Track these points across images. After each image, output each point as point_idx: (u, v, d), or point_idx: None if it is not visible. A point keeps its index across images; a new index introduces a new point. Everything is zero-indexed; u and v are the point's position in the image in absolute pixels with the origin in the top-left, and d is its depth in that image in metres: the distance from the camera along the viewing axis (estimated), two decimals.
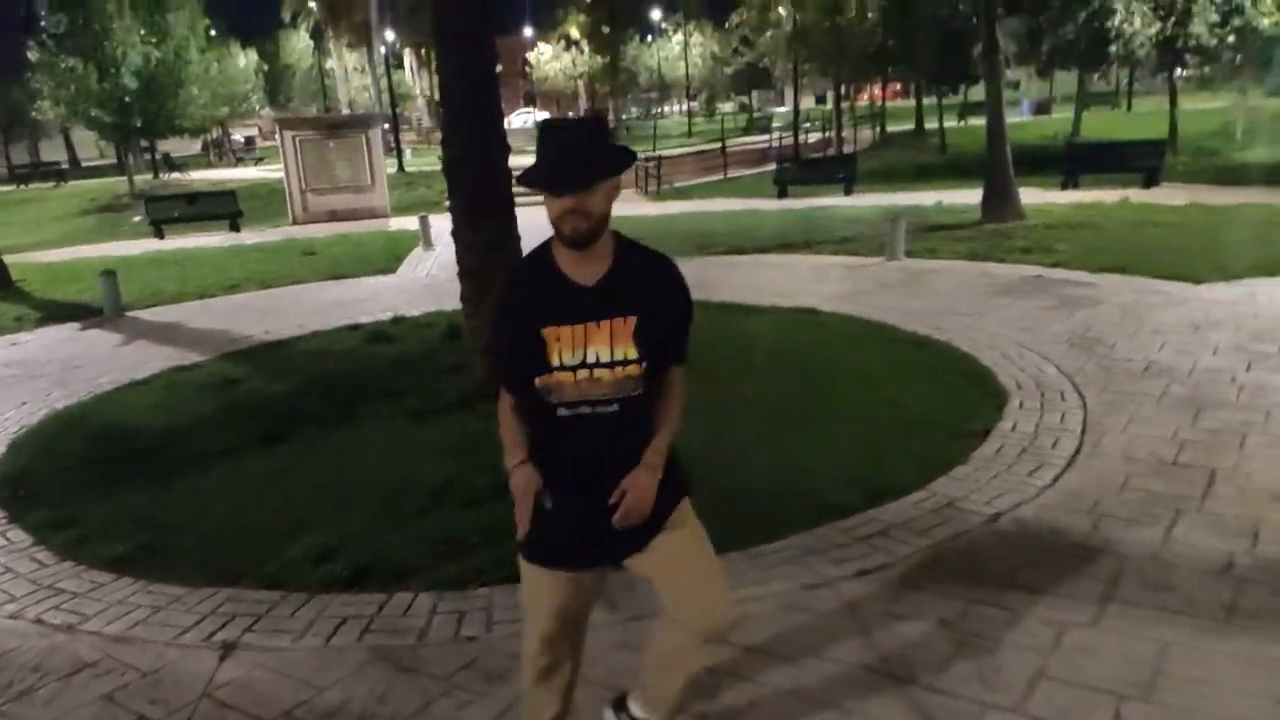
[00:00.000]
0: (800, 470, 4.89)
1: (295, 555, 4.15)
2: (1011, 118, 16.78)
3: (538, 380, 2.18)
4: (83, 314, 10.88)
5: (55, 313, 11.12)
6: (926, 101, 37.96)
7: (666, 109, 67.93)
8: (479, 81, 6.06)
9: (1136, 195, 16.27)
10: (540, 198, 2.11)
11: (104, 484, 5.33)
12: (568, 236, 2.10)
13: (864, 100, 46.47)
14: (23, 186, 39.46)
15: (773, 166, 23.84)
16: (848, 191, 20.22)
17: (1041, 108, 44.18)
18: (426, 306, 9.85)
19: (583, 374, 2.16)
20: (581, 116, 2.43)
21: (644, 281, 2.22)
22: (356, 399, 6.61)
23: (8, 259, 14.96)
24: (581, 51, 55.55)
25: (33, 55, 28.13)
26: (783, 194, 20.84)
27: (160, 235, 19.88)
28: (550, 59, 59.19)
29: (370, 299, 10.80)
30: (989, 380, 6.33)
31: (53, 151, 53.58)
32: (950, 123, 35.02)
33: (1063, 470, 4.67)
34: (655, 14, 56.04)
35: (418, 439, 5.67)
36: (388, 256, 14.25)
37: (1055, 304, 8.47)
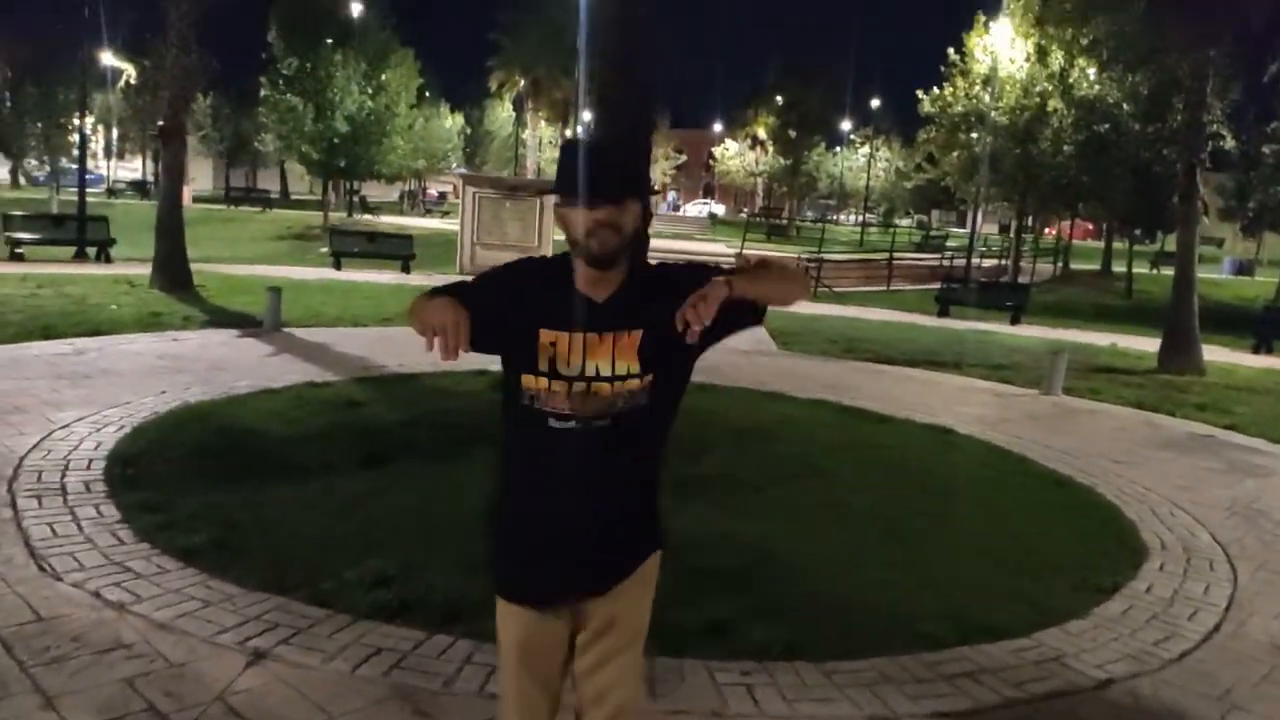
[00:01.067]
0: (899, 590, 4.48)
1: (352, 577, 4.06)
2: (1209, 274, 15.71)
3: (524, 384, 2.03)
4: (245, 323, 11.51)
5: (221, 318, 11.82)
6: (1117, 246, 36.35)
7: (842, 217, 67.81)
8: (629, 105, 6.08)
9: None
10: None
11: (205, 477, 5.46)
12: (595, 253, 1.98)
13: (1050, 235, 44.94)
14: (233, 208, 43.00)
15: (939, 285, 23.20)
16: (1014, 321, 19.38)
17: (1244, 269, 41.48)
18: None
19: (579, 387, 2.01)
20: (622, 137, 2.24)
21: (653, 295, 2.03)
22: (468, 438, 6.58)
23: (200, 267, 16.17)
24: (766, 151, 56.38)
25: (263, 91, 30.85)
26: (944, 313, 20.19)
27: (338, 266, 21.06)
28: (734, 155, 60.38)
29: None
30: (1130, 534, 5.73)
31: (269, 181, 58.42)
32: (1140, 269, 33.34)
33: (1195, 646, 4.08)
34: (845, 124, 56.41)
35: None
36: None
37: (1224, 468, 7.69)
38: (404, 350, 10.29)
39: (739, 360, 11.32)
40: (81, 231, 19.07)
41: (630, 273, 2.08)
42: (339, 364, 9.36)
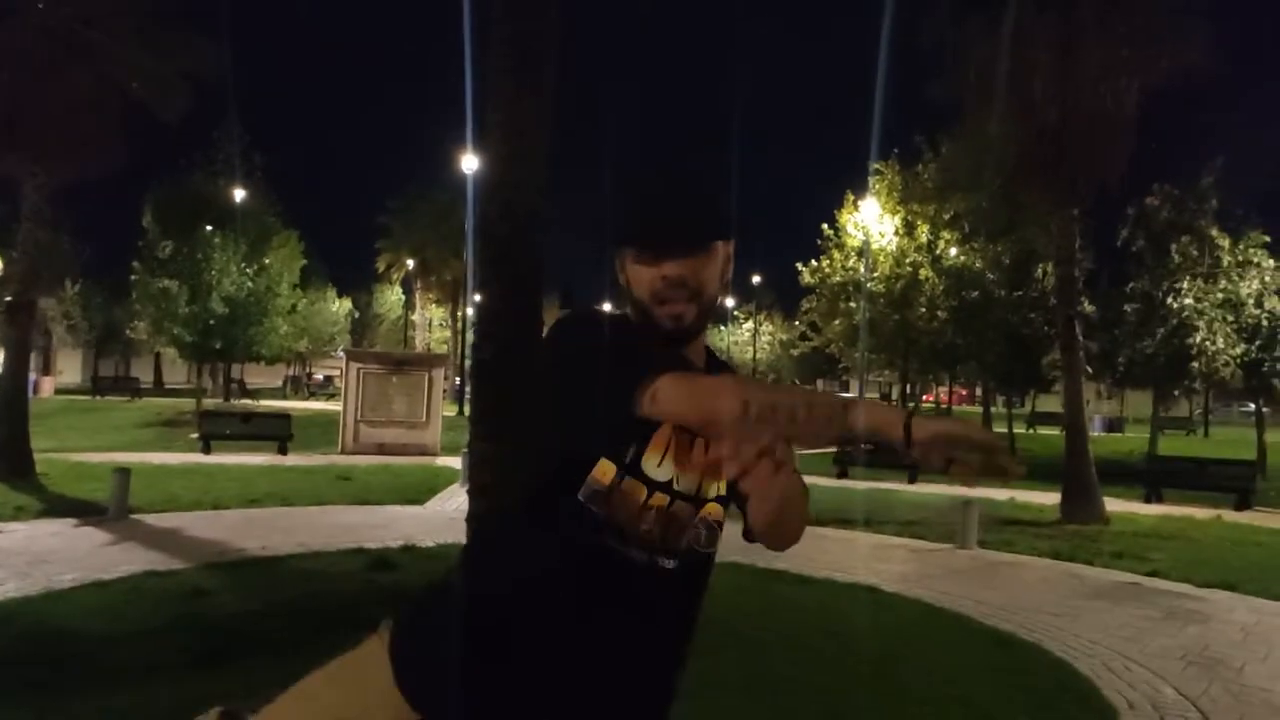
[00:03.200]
0: None
1: None
2: None
3: (597, 468, 1.42)
4: (87, 511, 10.22)
5: (60, 507, 10.49)
6: (994, 409, 37.61)
7: None
8: (518, 283, 5.58)
9: (1229, 515, 15.01)
10: None
11: None
12: (667, 329, 1.46)
13: (929, 401, 46.41)
14: (99, 398, 40.64)
15: (831, 449, 23.16)
16: (912, 480, 19.27)
17: (1113, 425, 43.46)
18: (444, 538, 8.96)
19: (659, 498, 1.43)
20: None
21: None
22: (327, 626, 5.60)
23: (48, 456, 14.69)
24: None
25: (134, 276, 29.76)
26: (843, 474, 20.04)
27: (207, 450, 19.62)
28: None
29: (387, 526, 9.98)
30: (1092, 694, 5.14)
31: (142, 370, 55.93)
32: (1018, 429, 34.38)
33: None
34: (729, 301, 58.28)
35: None
36: (421, 489, 13.57)
37: (1161, 615, 7.26)
38: (270, 532, 9.25)
39: None
40: None
41: (710, 363, 1.57)
42: (189, 550, 8.21)
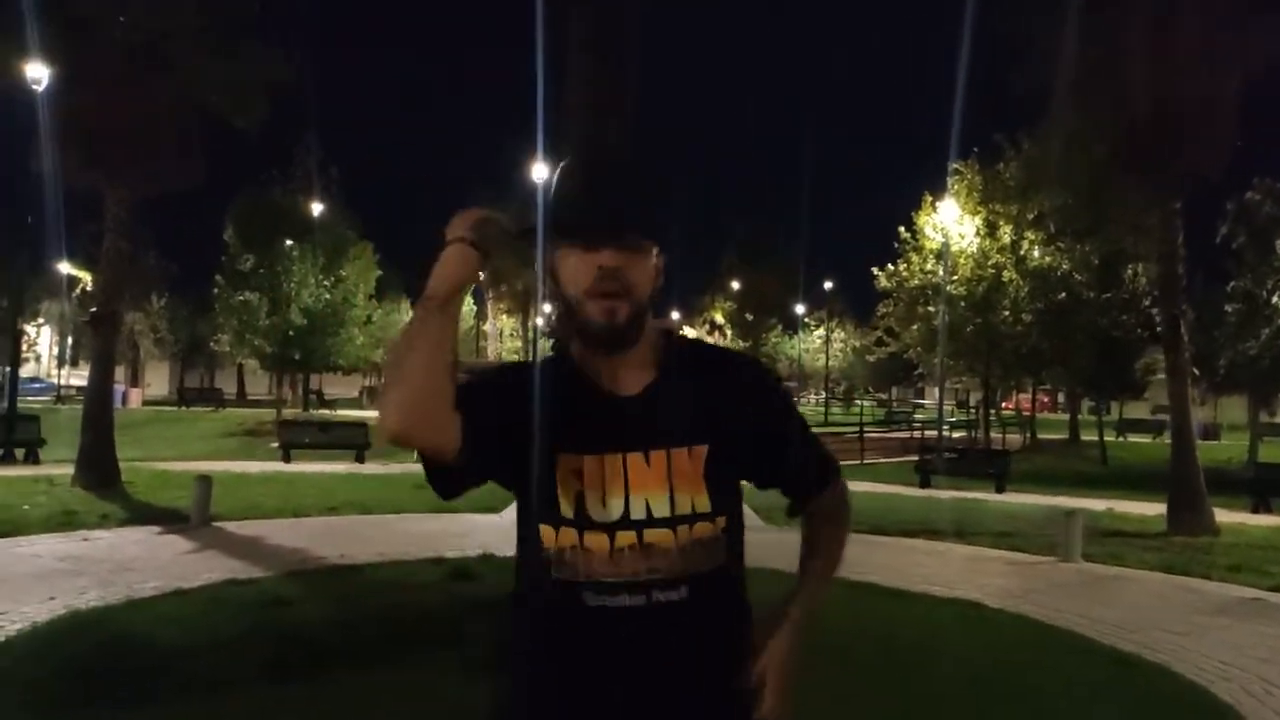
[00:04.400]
0: None
1: None
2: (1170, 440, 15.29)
3: (543, 542, 1.33)
4: (170, 519, 10.30)
5: (144, 514, 10.60)
6: (1081, 417, 36.37)
7: (802, 398, 68.12)
8: None
9: None
10: None
11: (74, 702, 4.26)
12: (598, 324, 1.34)
13: (1009, 409, 45.06)
14: (185, 408, 41.81)
15: (912, 458, 22.52)
16: (999, 489, 18.56)
17: (1209, 432, 41.59)
18: None
19: (625, 537, 1.32)
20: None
21: (715, 388, 1.42)
22: (409, 638, 5.44)
23: (135, 465, 14.98)
24: (724, 336, 57.00)
25: (216, 290, 30.49)
26: (925, 483, 19.39)
27: (287, 458, 19.88)
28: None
29: (467, 534, 9.82)
30: None
31: (225, 381, 57.45)
32: (1108, 436, 33.09)
33: None
34: (799, 307, 57.54)
35: (460, 698, 4.38)
36: (498, 497, 13.34)
37: None
38: (349, 541, 9.17)
39: None
40: (9, 432, 17.86)
41: (665, 354, 1.43)
42: (270, 559, 8.16)
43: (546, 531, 1.35)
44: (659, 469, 1.35)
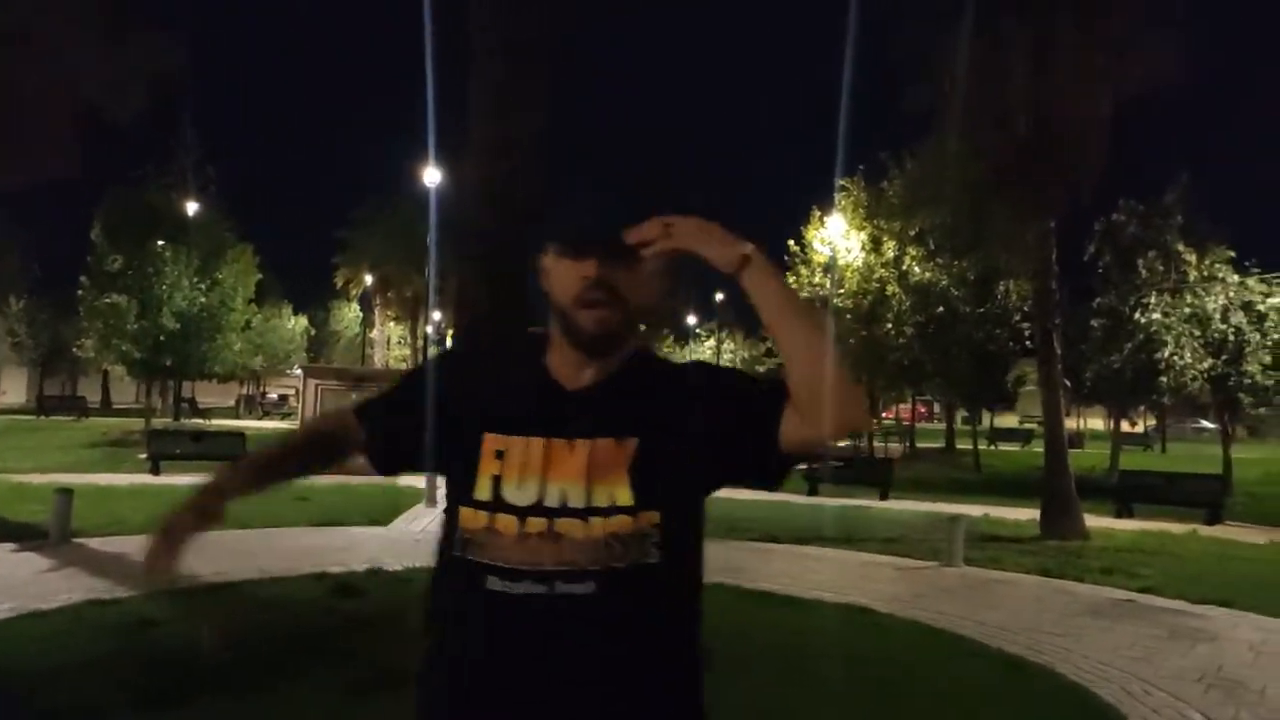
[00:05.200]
0: None
1: None
2: (1041, 449, 15.97)
3: (461, 522, 1.35)
4: (26, 535, 9.56)
5: None
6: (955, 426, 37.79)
7: None
8: (506, 284, 5.17)
9: (1203, 530, 14.94)
10: None
11: None
12: (586, 330, 1.35)
13: (889, 418, 46.53)
14: (43, 417, 39.29)
15: (801, 467, 22.96)
16: (883, 496, 19.09)
17: (1073, 441, 43.79)
18: (411, 562, 8.45)
19: (535, 523, 1.31)
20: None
21: (662, 388, 1.41)
22: (290, 660, 5.14)
23: None
24: None
25: (82, 291, 28.80)
26: (813, 491, 19.75)
27: (156, 470, 18.83)
28: None
29: (351, 548, 9.46)
30: None
31: (89, 389, 54.28)
32: (981, 445, 34.48)
33: None
34: (691, 319, 58.15)
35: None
36: (385, 509, 13.01)
37: (1165, 634, 6.99)
38: (225, 556, 8.65)
39: None
40: None
41: (627, 359, 1.42)
42: (136, 576, 7.61)
43: (465, 513, 1.36)
44: (581, 458, 1.33)
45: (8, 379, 56.62)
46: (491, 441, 1.36)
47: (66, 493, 9.66)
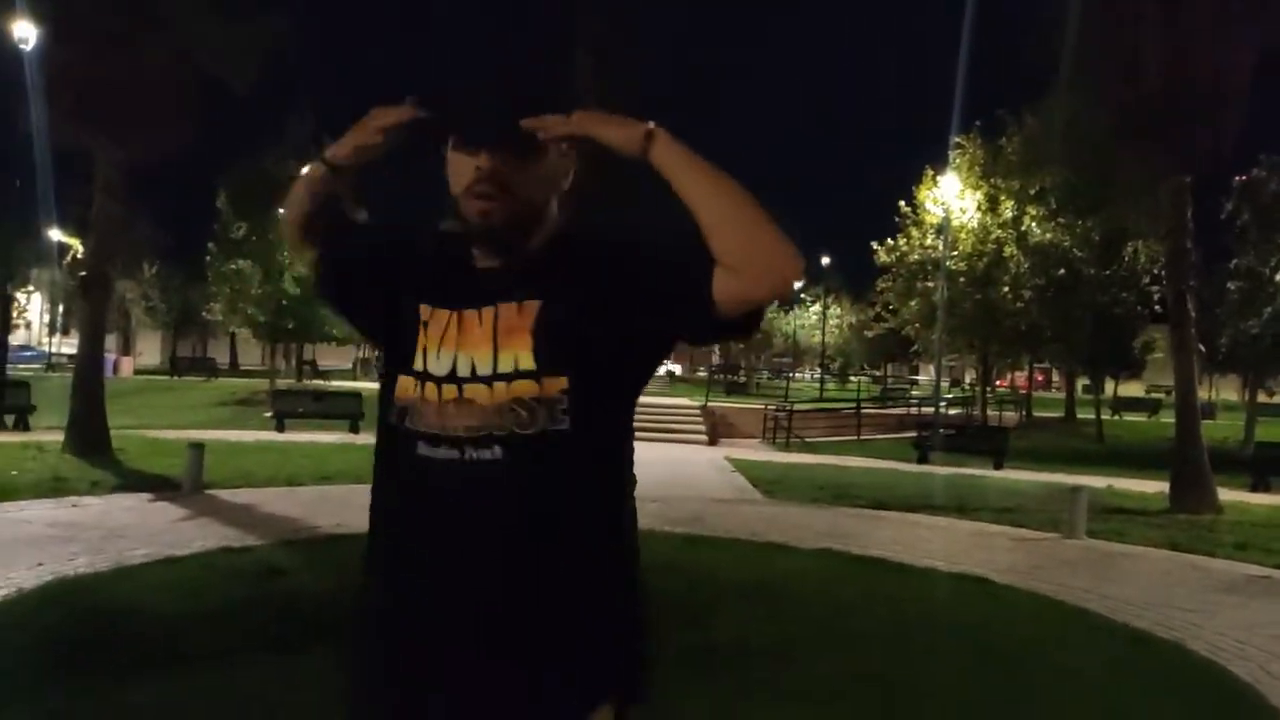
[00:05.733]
0: None
1: None
2: (1166, 418, 15.15)
3: (397, 391, 1.39)
4: (163, 486, 10.12)
5: (136, 482, 10.41)
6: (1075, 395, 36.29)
7: (798, 374, 68.09)
8: None
9: None
10: None
11: (58, 671, 4.10)
12: (474, 226, 1.38)
13: (1004, 386, 45.06)
14: (177, 378, 41.56)
15: (910, 434, 22.44)
16: (998, 466, 18.49)
17: (1206, 411, 41.57)
18: None
19: (450, 390, 1.35)
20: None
21: (569, 255, 1.40)
22: None
23: (126, 433, 14.78)
24: None
25: (210, 258, 30.17)
26: (923, 459, 19.31)
27: (280, 428, 19.71)
28: None
29: None
30: (1259, 704, 4.52)
31: (218, 351, 57.12)
32: (1104, 415, 33.10)
33: None
34: (796, 284, 57.26)
35: None
36: None
37: None
38: (343, 509, 8.99)
39: (722, 509, 10.17)
40: None
41: (552, 238, 1.43)
42: (264, 526, 8.00)
43: (403, 381, 1.39)
44: (488, 326, 1.36)
45: (143, 341, 60.10)
46: (422, 312, 1.41)
47: (198, 447, 10.16)
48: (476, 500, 1.32)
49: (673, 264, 1.36)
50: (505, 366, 1.33)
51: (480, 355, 1.35)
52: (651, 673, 1.42)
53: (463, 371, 1.35)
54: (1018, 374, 45.38)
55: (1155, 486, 14.05)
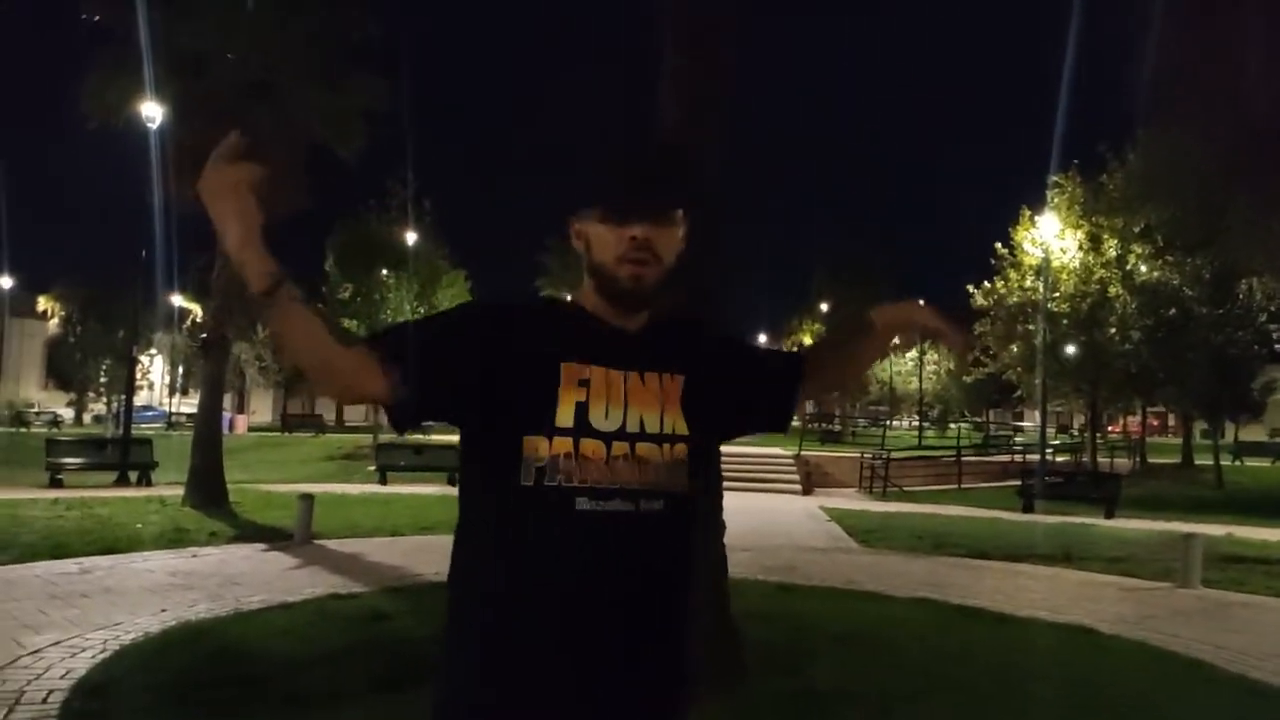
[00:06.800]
0: None
1: None
2: None
3: (527, 452, 1.39)
4: (275, 536, 10.61)
5: (250, 532, 10.93)
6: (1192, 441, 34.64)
7: (895, 422, 66.66)
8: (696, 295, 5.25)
9: None
10: None
11: (184, 708, 4.38)
12: (626, 288, 1.48)
13: (1115, 432, 43.29)
14: (287, 434, 43.27)
15: (1014, 482, 21.74)
16: (1109, 514, 17.76)
17: None
18: None
19: (620, 447, 1.43)
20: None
21: (688, 335, 1.62)
22: None
23: (245, 488, 15.53)
24: None
25: None
26: (1028, 508, 18.69)
27: (384, 481, 20.34)
28: None
29: None
30: None
31: (326, 407, 59.23)
32: (1224, 460, 31.48)
33: None
34: None
35: None
36: None
37: None
38: (443, 558, 9.15)
39: (818, 558, 10.06)
40: (124, 455, 18.71)
41: (659, 315, 1.59)
42: (369, 574, 8.30)
43: (537, 443, 1.40)
44: (653, 388, 1.49)
45: (257, 400, 62.83)
46: (572, 370, 1.44)
47: (308, 499, 10.63)
48: (646, 547, 1.44)
49: (779, 372, 1.74)
50: (667, 428, 1.48)
51: (649, 415, 1.47)
52: None
53: (632, 428, 1.45)
54: (1130, 419, 43.54)
55: (1279, 534, 13.32)
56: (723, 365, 1.62)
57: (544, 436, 1.40)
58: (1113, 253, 25.75)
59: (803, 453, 26.91)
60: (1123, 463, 32.73)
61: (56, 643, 5.56)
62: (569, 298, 1.63)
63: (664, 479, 1.45)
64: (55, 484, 16.75)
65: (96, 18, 13.42)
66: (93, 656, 5.30)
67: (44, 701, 4.49)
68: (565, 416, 1.41)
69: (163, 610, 6.55)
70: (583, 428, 1.41)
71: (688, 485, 1.49)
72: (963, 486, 24.66)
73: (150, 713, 4.38)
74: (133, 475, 18.12)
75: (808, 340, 56.18)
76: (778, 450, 30.20)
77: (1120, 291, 25.40)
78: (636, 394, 1.47)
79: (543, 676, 1.40)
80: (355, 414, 56.93)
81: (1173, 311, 24.62)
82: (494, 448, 1.42)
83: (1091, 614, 7.52)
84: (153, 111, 14.33)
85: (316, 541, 10.23)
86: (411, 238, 31.75)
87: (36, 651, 5.36)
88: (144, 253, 22.54)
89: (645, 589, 1.43)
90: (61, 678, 4.87)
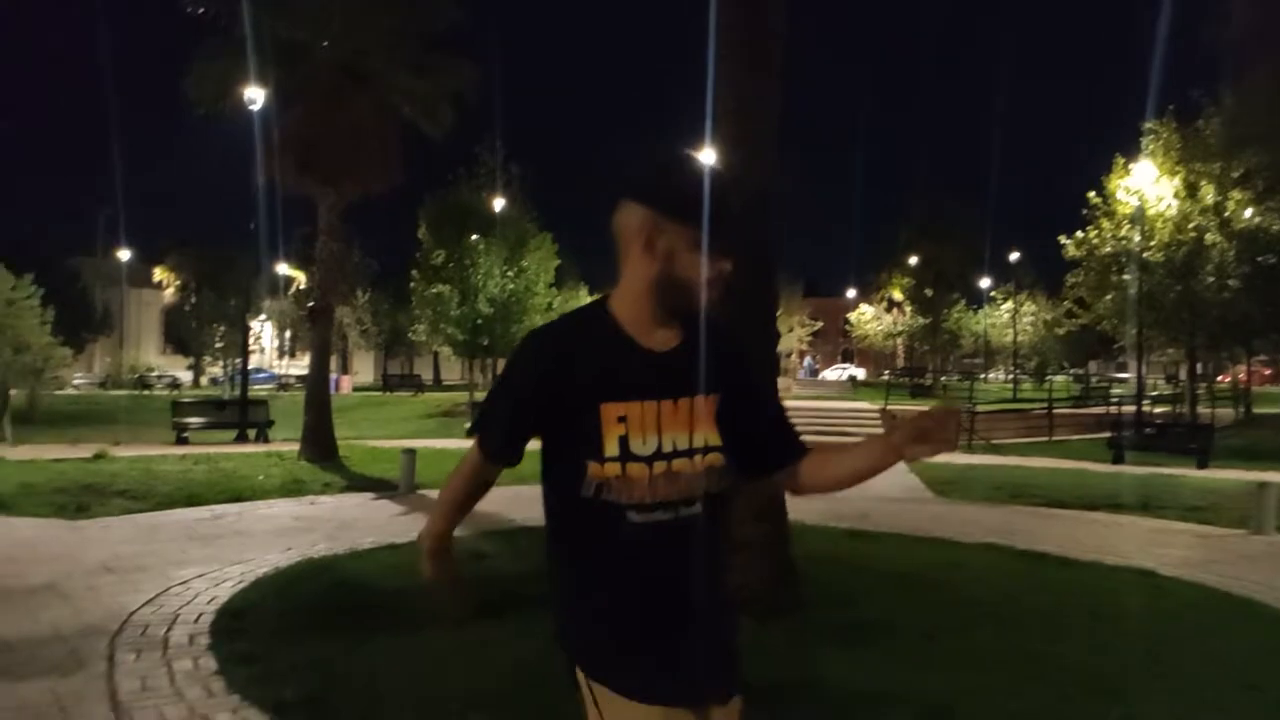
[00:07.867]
0: None
1: None
2: None
3: (590, 473, 1.67)
4: (382, 487, 11.49)
5: (359, 483, 11.84)
6: None
7: (991, 375, 65.33)
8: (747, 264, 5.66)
9: None
10: None
11: (312, 629, 5.09)
12: (694, 308, 1.73)
13: (1224, 381, 41.81)
14: (388, 393, 45.09)
15: (1107, 434, 21.46)
16: (1201, 465, 17.49)
17: None
18: None
19: (660, 466, 1.68)
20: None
21: (721, 351, 1.78)
22: None
23: (351, 443, 16.60)
24: (903, 312, 55.50)
25: (413, 283, 32.70)
26: (1118, 459, 18.52)
27: None
28: (870, 319, 59.67)
29: None
30: None
31: (423, 368, 61.38)
32: None
33: None
34: (984, 281, 55.13)
35: None
36: None
37: None
38: (533, 505, 9.89)
39: (890, 507, 10.42)
40: (243, 415, 20.06)
41: (691, 320, 1.78)
42: (467, 519, 8.86)
43: (593, 467, 1.67)
44: (684, 412, 1.71)
45: (359, 361, 65.35)
46: (611, 409, 1.67)
47: (410, 453, 11.46)
48: (690, 546, 1.70)
49: (773, 442, 1.89)
50: (698, 442, 1.72)
51: (680, 435, 1.70)
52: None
53: (667, 449, 1.69)
54: (1239, 368, 41.95)
55: None
56: (744, 383, 1.83)
57: (597, 462, 1.67)
58: (1210, 199, 24.86)
59: (888, 406, 26.95)
60: (1226, 413, 31.73)
61: (200, 575, 6.40)
62: (607, 304, 1.78)
63: (698, 486, 1.70)
64: (181, 441, 18.17)
65: (200, 10, 14.33)
66: (232, 586, 6.11)
67: (195, 621, 5.27)
68: (611, 448, 1.66)
69: (288, 549, 7.37)
70: (626, 455, 1.66)
71: (721, 484, 1.74)
72: (1054, 439, 24.43)
73: (285, 632, 5.09)
74: (251, 433, 19.47)
75: (897, 294, 55.45)
76: (864, 404, 30.28)
77: (1218, 238, 24.56)
78: (669, 420, 1.69)
79: (633, 625, 1.71)
80: (452, 373, 58.78)
81: (1273, 258, 23.74)
82: (561, 467, 1.73)
83: (1157, 558, 7.74)
84: (254, 95, 15.22)
85: (419, 491, 11.06)
86: (499, 204, 32.57)
87: (184, 582, 6.20)
88: (252, 226, 23.92)
89: (693, 583, 1.70)
90: (208, 603, 5.67)
